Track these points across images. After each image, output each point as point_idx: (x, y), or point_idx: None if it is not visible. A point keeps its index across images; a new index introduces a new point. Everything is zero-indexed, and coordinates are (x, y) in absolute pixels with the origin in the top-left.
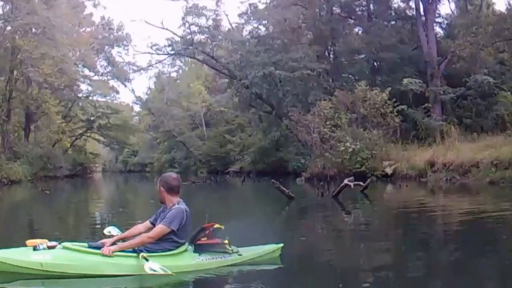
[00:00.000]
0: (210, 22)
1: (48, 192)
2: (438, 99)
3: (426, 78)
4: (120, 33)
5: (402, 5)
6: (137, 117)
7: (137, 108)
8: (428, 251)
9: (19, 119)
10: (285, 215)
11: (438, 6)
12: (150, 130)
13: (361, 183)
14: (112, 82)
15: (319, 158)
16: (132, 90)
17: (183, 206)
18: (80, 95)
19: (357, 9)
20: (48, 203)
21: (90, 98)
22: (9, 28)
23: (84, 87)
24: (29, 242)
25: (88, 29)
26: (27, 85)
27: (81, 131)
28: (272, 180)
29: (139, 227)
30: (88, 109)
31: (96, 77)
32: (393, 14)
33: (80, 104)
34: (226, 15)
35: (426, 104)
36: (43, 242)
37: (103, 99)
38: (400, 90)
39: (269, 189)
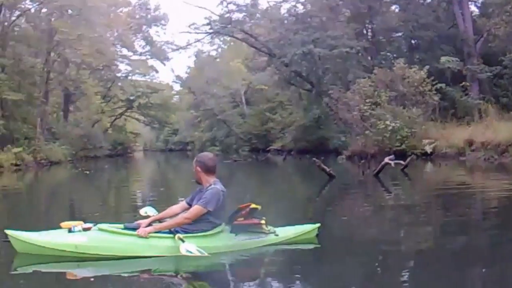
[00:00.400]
0: (248, 0)
1: (88, 172)
2: (475, 77)
3: (463, 56)
4: (157, 12)
5: None
6: (177, 96)
7: (177, 87)
8: (469, 233)
9: (58, 100)
10: (325, 194)
11: None
12: (191, 108)
13: (401, 161)
14: (151, 62)
15: (359, 136)
16: (172, 69)
17: (219, 186)
18: (119, 74)
19: None
20: (88, 183)
21: (129, 77)
22: (44, 10)
23: (122, 67)
24: (64, 224)
25: (125, 10)
26: (65, 66)
27: (121, 111)
28: (314, 158)
29: (175, 207)
30: (128, 89)
31: (134, 57)
32: None
33: (119, 84)
34: None
35: (463, 83)
36: (78, 224)
37: (143, 79)
38: (438, 68)
39: (310, 167)
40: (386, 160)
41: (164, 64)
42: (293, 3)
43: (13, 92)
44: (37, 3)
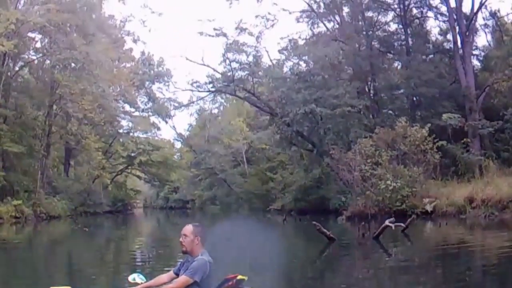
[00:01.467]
0: (251, 58)
1: (87, 229)
2: (476, 133)
3: (464, 112)
4: (160, 68)
5: (440, 38)
6: (178, 154)
7: (178, 144)
8: None
9: (59, 154)
10: (325, 259)
11: (475, 38)
12: (192, 167)
13: (402, 224)
14: (153, 118)
15: (360, 196)
16: (173, 126)
17: (206, 257)
18: (120, 131)
19: (395, 44)
20: (87, 241)
21: (131, 134)
22: (48, 62)
23: (124, 123)
24: None
25: (128, 65)
26: (66, 120)
27: (121, 167)
28: (314, 222)
29: (163, 277)
30: (129, 146)
31: (136, 113)
32: (431, 47)
33: (121, 140)
34: (267, 51)
35: (465, 139)
36: None
37: (144, 136)
38: (439, 125)
39: (310, 229)
40: (387, 223)
41: (166, 122)
42: (296, 61)
43: (15, 144)
44: (40, 55)
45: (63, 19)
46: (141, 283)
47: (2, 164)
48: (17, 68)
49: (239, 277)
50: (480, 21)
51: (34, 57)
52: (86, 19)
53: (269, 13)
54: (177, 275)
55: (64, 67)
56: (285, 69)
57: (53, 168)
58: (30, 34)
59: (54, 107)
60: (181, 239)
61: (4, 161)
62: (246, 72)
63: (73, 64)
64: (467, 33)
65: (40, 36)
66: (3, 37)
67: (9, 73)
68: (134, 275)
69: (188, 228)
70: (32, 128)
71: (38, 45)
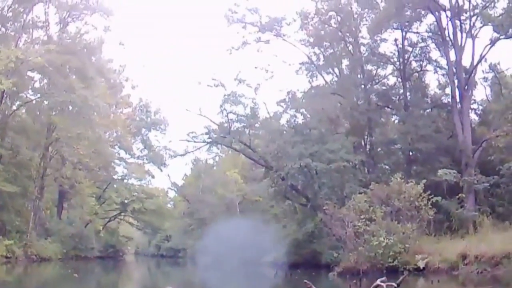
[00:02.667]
0: (248, 110)
1: (76, 275)
2: (471, 188)
3: (460, 166)
4: (157, 116)
5: (438, 91)
6: (172, 203)
7: (172, 193)
8: None
9: (53, 196)
10: None
11: (473, 92)
12: (185, 216)
13: (393, 283)
14: (148, 166)
15: (352, 252)
16: (168, 175)
17: None
18: (115, 177)
19: (394, 98)
20: (77, 287)
21: (125, 181)
22: (46, 103)
23: (119, 169)
24: None
25: (126, 110)
26: (61, 164)
27: (114, 214)
28: (305, 280)
29: None
30: (123, 192)
31: (132, 160)
32: (429, 101)
33: (115, 186)
34: (264, 103)
35: (460, 194)
36: None
37: (138, 183)
38: (434, 181)
39: (300, 285)
40: (378, 282)
41: (161, 170)
42: (293, 114)
43: (9, 183)
44: (38, 95)
45: (63, 61)
46: None
47: None
48: (14, 107)
49: None
50: (479, 74)
51: (32, 97)
52: (85, 61)
53: (268, 65)
54: None
55: (61, 110)
56: (282, 121)
57: (46, 210)
58: (30, 73)
59: (50, 149)
60: None
61: None
62: (243, 124)
63: (70, 108)
64: (466, 87)
65: (39, 75)
66: (2, 75)
67: (6, 112)
68: None
69: None
70: (27, 168)
71: (37, 84)
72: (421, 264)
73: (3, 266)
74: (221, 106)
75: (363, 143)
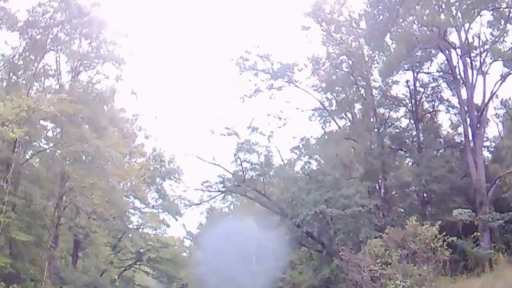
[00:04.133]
0: (262, 158)
1: None
2: (486, 227)
3: (474, 205)
4: (171, 165)
5: (451, 131)
6: (187, 251)
7: (187, 242)
8: None
9: (68, 245)
10: None
11: (486, 129)
12: (201, 265)
13: None
14: (163, 215)
15: None
16: (183, 224)
17: None
18: (130, 226)
19: (407, 140)
20: None
21: (140, 230)
22: (59, 152)
23: (134, 218)
24: None
25: (139, 160)
26: (76, 213)
27: (130, 263)
28: None
29: None
30: (138, 241)
31: (147, 209)
32: (442, 142)
33: (130, 235)
34: (278, 151)
35: (475, 233)
36: None
37: (154, 232)
38: (449, 221)
39: None
40: None
41: (176, 219)
42: (307, 160)
43: (23, 232)
44: (51, 144)
45: (75, 110)
46: None
47: (9, 251)
48: (27, 156)
49: None
50: (491, 111)
51: (45, 146)
52: (98, 111)
53: (281, 112)
54: None
55: (74, 160)
56: (297, 168)
57: (61, 259)
58: (42, 122)
59: (64, 198)
60: None
61: (12, 249)
62: (257, 172)
63: (83, 157)
64: (478, 125)
65: (52, 124)
66: (14, 124)
67: (19, 161)
68: None
69: None
70: (40, 218)
71: (50, 133)
72: None
73: None
74: (235, 155)
75: (377, 187)
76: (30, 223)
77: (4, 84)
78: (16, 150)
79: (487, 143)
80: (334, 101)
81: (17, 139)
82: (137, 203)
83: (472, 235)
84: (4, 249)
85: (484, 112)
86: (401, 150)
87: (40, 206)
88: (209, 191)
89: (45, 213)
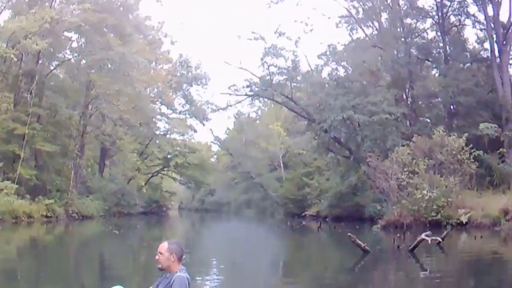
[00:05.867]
0: (289, 63)
1: (117, 232)
2: None
3: (501, 121)
4: (198, 71)
5: (477, 46)
6: (215, 157)
7: (215, 147)
8: None
9: (94, 153)
10: (358, 271)
11: None
12: (228, 170)
13: (438, 238)
14: (190, 121)
15: (395, 205)
16: (210, 129)
17: (184, 274)
18: (157, 132)
19: (433, 51)
20: (117, 244)
21: (168, 136)
22: (83, 61)
23: (161, 124)
24: None
25: (166, 67)
26: (102, 121)
27: (157, 169)
28: (349, 234)
29: None
30: (165, 147)
31: (173, 115)
32: (468, 56)
33: (157, 141)
34: (305, 56)
35: (501, 149)
36: None
37: (181, 138)
38: (476, 135)
39: (344, 238)
40: (423, 236)
41: (203, 124)
42: (335, 66)
43: (48, 143)
44: (76, 54)
45: (99, 19)
46: None
47: (35, 163)
48: (52, 67)
49: None
50: None
51: (70, 57)
52: (122, 19)
53: (308, 18)
54: None
55: (100, 68)
56: (324, 75)
57: (88, 168)
58: (67, 33)
59: (90, 107)
60: (156, 257)
61: (37, 160)
62: (285, 76)
63: (109, 65)
64: (504, 42)
65: (76, 35)
66: (37, 36)
67: (43, 72)
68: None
69: (163, 246)
70: (66, 128)
71: (75, 44)
72: (464, 219)
73: (44, 226)
74: (262, 59)
75: (404, 96)
76: (55, 134)
77: None
78: (40, 62)
79: None
80: (360, 9)
81: (40, 51)
82: (164, 109)
83: (498, 151)
84: (29, 161)
85: (510, 29)
86: (428, 60)
87: (65, 116)
88: (236, 95)
89: (70, 123)
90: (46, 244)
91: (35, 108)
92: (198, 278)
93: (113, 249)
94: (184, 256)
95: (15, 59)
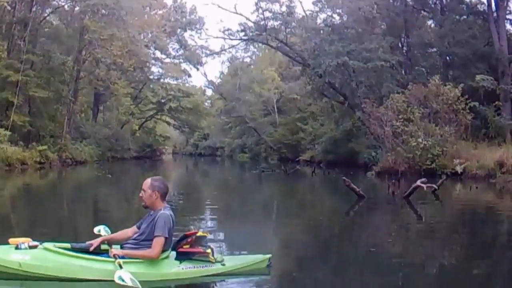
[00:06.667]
0: (284, 8)
1: (110, 176)
2: (508, 97)
3: (497, 75)
4: (192, 16)
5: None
6: (209, 101)
7: (209, 92)
8: (494, 257)
9: (88, 99)
10: (353, 217)
11: (509, 2)
12: (222, 114)
13: (433, 185)
14: (184, 65)
15: (390, 152)
16: (204, 73)
17: (168, 211)
18: (151, 77)
19: (430, 1)
20: (110, 188)
21: (162, 80)
22: (77, 8)
23: (155, 69)
24: (12, 240)
25: (160, 12)
26: (95, 66)
27: (151, 113)
28: (344, 178)
29: (128, 231)
30: (159, 92)
31: (167, 60)
32: (465, 8)
33: (151, 86)
34: (300, 2)
35: (496, 102)
36: (25, 241)
37: (175, 82)
38: (471, 86)
39: (339, 183)
40: (418, 183)
41: (197, 69)
42: (330, 13)
43: (41, 89)
44: (69, 1)
45: None
46: (105, 235)
47: (28, 110)
48: (45, 14)
49: (199, 233)
50: None
51: (63, 3)
52: None
53: None
54: (139, 228)
55: (93, 13)
56: (319, 21)
57: (81, 114)
58: None
59: (83, 52)
60: (140, 194)
61: (30, 107)
62: (279, 21)
63: (103, 11)
64: None
65: None
66: None
67: (37, 20)
68: (100, 227)
69: (146, 183)
70: (60, 73)
71: None
72: (459, 169)
73: (37, 172)
74: (256, 4)
75: (400, 44)
76: (49, 80)
77: None
78: (33, 9)
79: (510, 16)
80: None
81: None
82: (158, 54)
83: (494, 104)
84: (23, 108)
85: None
86: (424, 10)
87: (59, 62)
88: (230, 39)
89: (64, 69)
90: (40, 189)
91: (29, 55)
92: (193, 217)
93: (106, 192)
94: (167, 193)
95: (9, 8)
